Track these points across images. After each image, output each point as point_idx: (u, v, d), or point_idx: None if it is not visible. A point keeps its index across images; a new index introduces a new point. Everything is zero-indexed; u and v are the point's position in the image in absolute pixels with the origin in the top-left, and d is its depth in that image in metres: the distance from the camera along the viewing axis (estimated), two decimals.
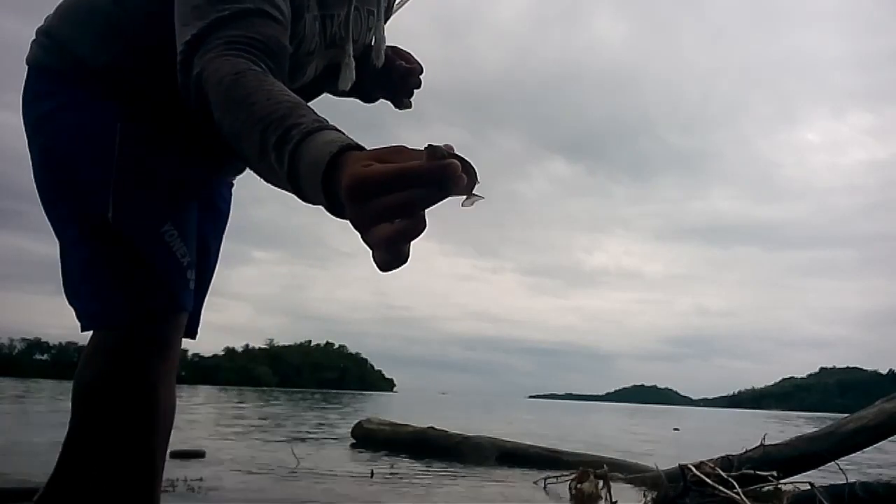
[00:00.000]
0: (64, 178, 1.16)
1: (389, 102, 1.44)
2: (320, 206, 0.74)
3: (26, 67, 1.22)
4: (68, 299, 1.20)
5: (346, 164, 0.67)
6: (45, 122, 1.17)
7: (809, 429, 4.20)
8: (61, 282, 1.20)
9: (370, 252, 0.66)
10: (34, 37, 1.23)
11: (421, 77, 1.41)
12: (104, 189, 1.12)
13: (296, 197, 0.80)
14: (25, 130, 1.21)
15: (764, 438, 3.76)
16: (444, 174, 0.62)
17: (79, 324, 1.20)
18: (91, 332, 1.21)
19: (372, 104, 1.50)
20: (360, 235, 0.67)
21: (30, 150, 1.21)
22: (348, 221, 0.68)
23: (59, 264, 1.20)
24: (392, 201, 0.62)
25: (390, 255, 0.65)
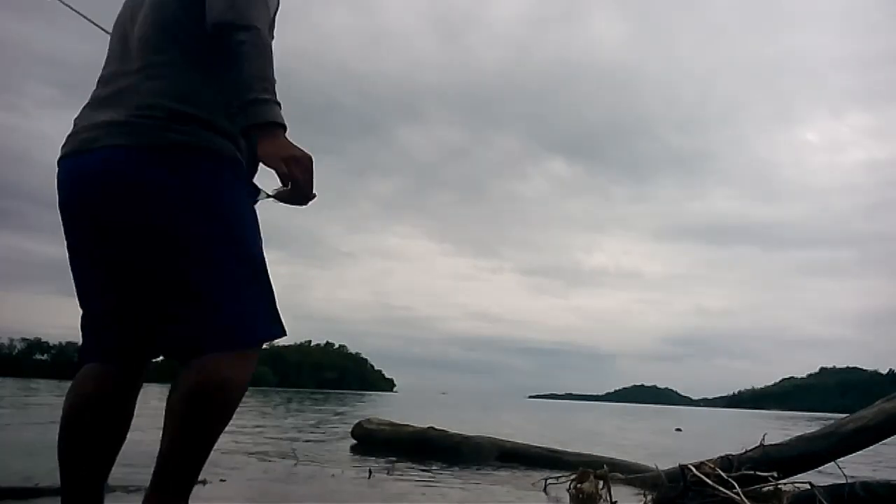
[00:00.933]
0: (223, 226, 1.51)
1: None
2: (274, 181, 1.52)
3: (148, 145, 1.49)
4: (242, 316, 1.51)
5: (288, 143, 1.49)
6: (190, 183, 1.49)
7: (809, 429, 4.19)
8: (237, 288, 1.51)
9: (283, 172, 1.47)
10: (113, 124, 1.51)
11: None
12: (257, 238, 1.58)
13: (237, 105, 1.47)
14: (162, 194, 1.47)
15: (764, 438, 3.76)
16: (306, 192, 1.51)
17: (248, 342, 1.52)
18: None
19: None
20: (283, 166, 1.46)
21: (171, 204, 1.48)
22: (274, 154, 1.46)
23: (201, 283, 1.49)
24: (304, 177, 1.48)
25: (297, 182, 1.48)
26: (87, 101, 1.67)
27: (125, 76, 1.57)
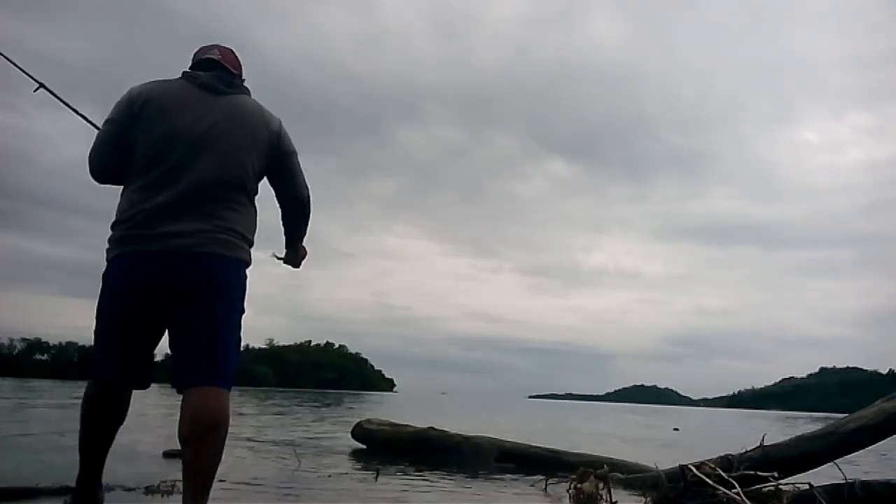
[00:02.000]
0: (243, 311, 2.42)
1: None
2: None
3: (231, 259, 2.35)
4: (228, 369, 2.30)
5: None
6: (244, 284, 2.44)
7: (809, 429, 4.19)
8: (237, 352, 2.38)
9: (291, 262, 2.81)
10: (207, 238, 2.28)
11: None
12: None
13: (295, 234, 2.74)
14: (232, 296, 2.36)
15: (763, 438, 3.76)
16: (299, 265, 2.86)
17: (228, 385, 2.30)
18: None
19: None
20: (295, 263, 2.80)
21: (233, 302, 2.38)
22: (303, 256, 2.81)
23: (235, 341, 2.37)
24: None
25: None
26: (153, 187, 2.27)
27: (210, 199, 2.30)
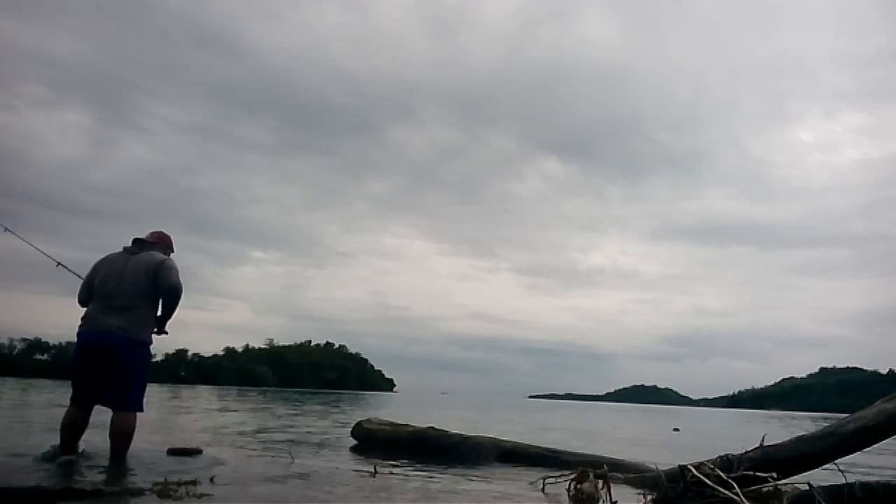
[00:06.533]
0: (147, 369, 4.72)
1: None
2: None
3: (132, 340, 4.51)
4: (139, 402, 4.56)
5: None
6: (142, 354, 4.61)
7: (809, 429, 4.19)
8: (140, 393, 4.60)
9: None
10: (119, 327, 4.44)
11: None
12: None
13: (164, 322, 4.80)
14: (133, 360, 4.51)
15: (763, 439, 3.76)
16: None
17: (138, 410, 4.56)
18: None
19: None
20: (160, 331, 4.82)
21: (134, 364, 4.53)
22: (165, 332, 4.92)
23: (139, 386, 4.60)
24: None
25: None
26: (97, 302, 4.51)
27: (123, 305, 4.45)
